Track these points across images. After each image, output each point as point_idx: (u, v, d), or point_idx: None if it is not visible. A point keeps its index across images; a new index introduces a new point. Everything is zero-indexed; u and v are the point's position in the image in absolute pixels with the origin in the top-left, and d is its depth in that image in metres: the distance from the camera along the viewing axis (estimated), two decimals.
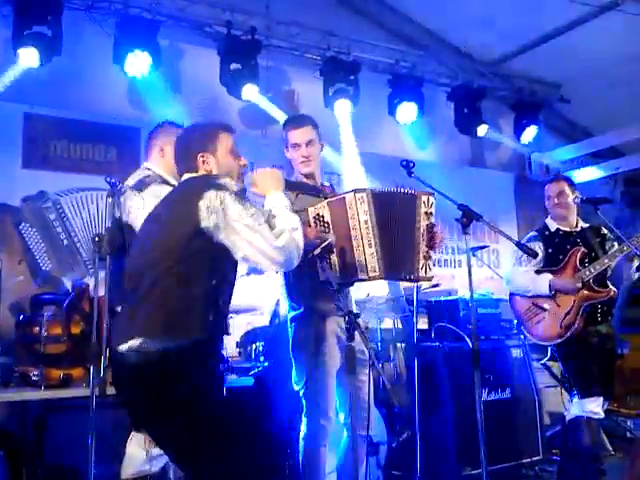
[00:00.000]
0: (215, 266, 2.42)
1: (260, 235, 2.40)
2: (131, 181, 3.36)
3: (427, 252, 3.22)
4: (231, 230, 2.38)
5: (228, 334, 2.72)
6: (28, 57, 4.75)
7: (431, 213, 3.25)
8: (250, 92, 5.58)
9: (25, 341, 3.75)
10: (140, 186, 3.28)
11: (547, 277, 4.18)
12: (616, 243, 4.24)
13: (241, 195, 2.45)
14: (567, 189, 4.33)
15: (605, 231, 4.33)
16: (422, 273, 3.22)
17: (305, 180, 3.49)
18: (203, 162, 2.63)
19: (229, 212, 2.37)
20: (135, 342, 2.32)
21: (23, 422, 3.71)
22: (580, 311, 4.07)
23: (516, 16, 6.03)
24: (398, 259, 3.20)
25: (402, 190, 3.27)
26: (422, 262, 3.21)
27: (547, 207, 4.44)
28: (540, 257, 4.21)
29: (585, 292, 4.10)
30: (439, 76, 6.90)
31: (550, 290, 4.16)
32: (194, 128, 2.84)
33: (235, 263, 2.51)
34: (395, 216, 3.21)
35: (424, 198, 3.24)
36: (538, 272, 4.24)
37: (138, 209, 3.19)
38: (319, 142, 3.50)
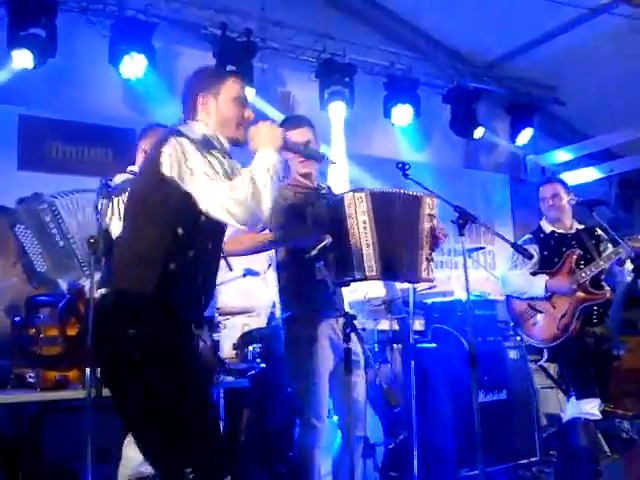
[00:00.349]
0: (182, 216, 2.30)
1: (217, 186, 2.26)
2: (114, 184, 3.37)
3: (430, 254, 3.22)
4: (191, 179, 2.26)
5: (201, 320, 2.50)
6: (22, 59, 4.75)
7: (434, 215, 3.25)
8: (246, 94, 5.58)
9: (21, 343, 3.74)
10: (119, 191, 3.29)
11: (543, 279, 4.18)
12: (610, 244, 4.25)
13: (204, 144, 2.33)
14: (561, 191, 4.33)
15: (599, 232, 4.33)
16: (424, 275, 3.22)
17: (302, 180, 3.49)
18: (203, 103, 2.53)
19: (189, 161, 2.26)
20: (102, 291, 2.36)
21: (19, 424, 3.70)
22: (576, 313, 4.07)
23: (511, 18, 6.04)
24: (397, 260, 3.19)
25: (405, 192, 3.26)
26: (424, 264, 3.21)
27: (541, 209, 4.44)
28: (535, 259, 4.21)
29: (581, 294, 4.10)
30: (434, 78, 6.91)
31: (546, 292, 4.16)
32: (201, 69, 2.68)
33: (211, 220, 2.34)
34: (395, 217, 3.20)
35: (427, 200, 3.24)
36: (534, 274, 4.25)
37: (111, 215, 3.22)
38: (316, 143, 3.51)
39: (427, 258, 3.20)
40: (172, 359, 2.25)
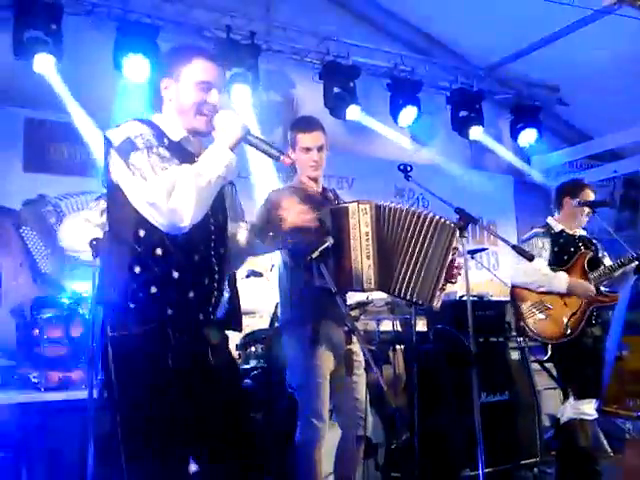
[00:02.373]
0: (139, 217, 2.14)
1: (135, 186, 2.11)
2: None
3: (445, 285, 3.13)
4: (122, 182, 2.16)
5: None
6: (43, 62, 4.84)
7: (457, 249, 3.15)
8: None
9: (25, 344, 3.78)
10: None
11: (564, 277, 4.14)
12: (606, 253, 4.37)
13: (127, 145, 2.13)
14: None
15: (594, 241, 4.42)
16: (434, 303, 3.12)
17: (310, 183, 3.48)
18: (165, 88, 2.33)
19: (116, 165, 2.16)
20: None
21: (23, 424, 3.73)
22: (587, 313, 4.09)
23: (514, 20, 6.05)
24: (403, 278, 3.10)
25: (440, 218, 3.14)
26: (438, 293, 3.11)
27: (568, 212, 4.34)
28: (546, 255, 4.21)
29: (595, 297, 4.13)
30: (438, 80, 6.93)
31: (567, 290, 4.13)
32: (171, 50, 2.47)
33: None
34: (401, 234, 3.11)
35: (457, 234, 3.12)
36: None
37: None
38: (326, 147, 3.46)
39: (441, 288, 3.12)
40: (137, 367, 2.15)
